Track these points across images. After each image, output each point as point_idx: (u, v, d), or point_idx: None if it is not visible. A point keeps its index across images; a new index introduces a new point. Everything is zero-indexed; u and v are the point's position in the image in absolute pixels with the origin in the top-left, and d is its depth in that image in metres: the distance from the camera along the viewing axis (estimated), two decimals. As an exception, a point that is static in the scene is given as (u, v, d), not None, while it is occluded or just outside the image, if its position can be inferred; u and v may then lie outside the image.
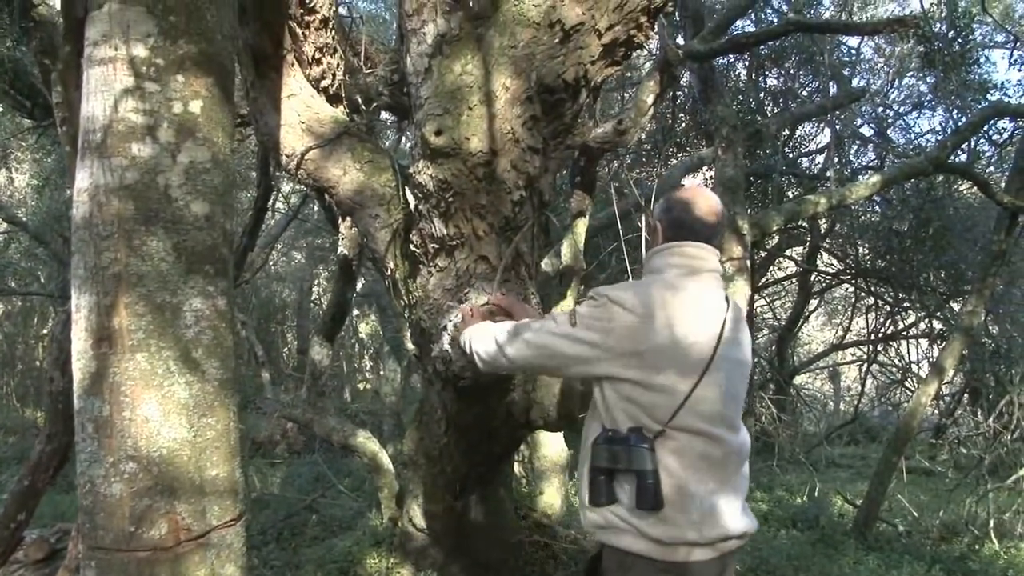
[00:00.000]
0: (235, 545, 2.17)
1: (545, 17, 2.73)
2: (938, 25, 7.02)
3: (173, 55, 2.06)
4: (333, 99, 3.68)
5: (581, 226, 5.21)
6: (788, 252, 13.67)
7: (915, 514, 7.82)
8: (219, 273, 2.15)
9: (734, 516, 2.22)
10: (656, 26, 3.16)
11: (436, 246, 3.07)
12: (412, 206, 3.10)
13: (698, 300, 2.22)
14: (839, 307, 18.40)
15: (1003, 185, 7.66)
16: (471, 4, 2.82)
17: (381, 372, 12.90)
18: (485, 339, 2.47)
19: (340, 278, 5.28)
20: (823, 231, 12.44)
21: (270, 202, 8.05)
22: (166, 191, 2.04)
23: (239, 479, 2.20)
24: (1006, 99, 8.14)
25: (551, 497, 5.65)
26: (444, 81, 2.75)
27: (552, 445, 5.80)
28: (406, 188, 3.27)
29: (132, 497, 1.96)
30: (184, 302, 2.05)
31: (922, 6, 7.82)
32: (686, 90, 9.33)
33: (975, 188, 9.06)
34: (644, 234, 5.27)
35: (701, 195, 2.39)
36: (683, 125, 10.85)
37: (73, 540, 3.05)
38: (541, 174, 3.05)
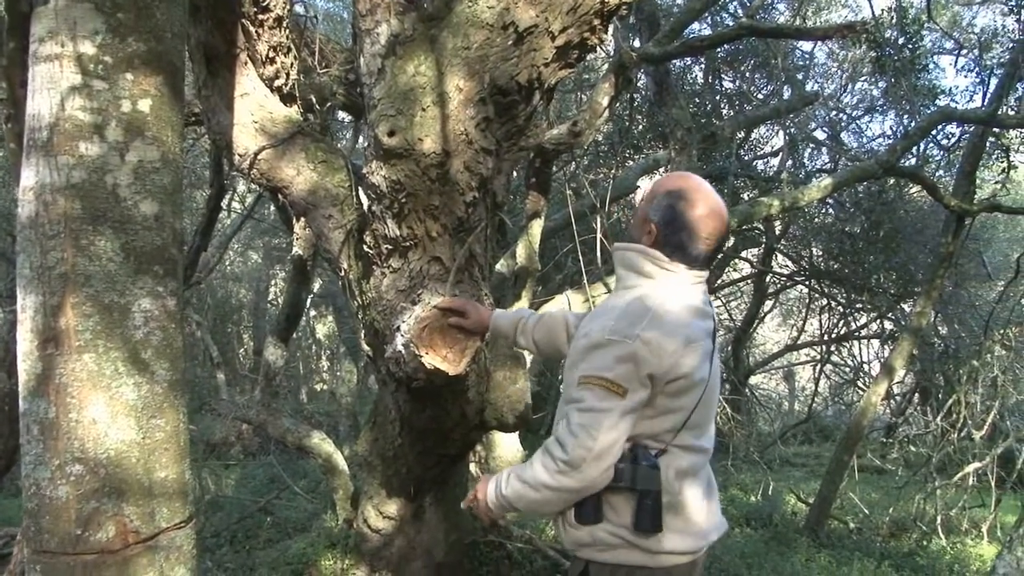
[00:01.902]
0: (185, 547, 2.15)
1: (499, 19, 2.75)
2: (889, 32, 7.17)
3: (122, 53, 2.04)
4: (287, 98, 3.65)
5: (536, 227, 5.23)
6: (743, 253, 13.86)
7: (866, 511, 8.00)
8: (168, 273, 2.13)
9: (716, 521, 2.24)
10: (611, 29, 3.19)
11: (389, 247, 3.07)
12: (365, 207, 3.10)
13: (696, 312, 2.14)
14: (793, 308, 18.70)
15: (951, 189, 7.86)
16: (424, 5, 2.83)
17: (338, 373, 12.85)
18: (545, 495, 2.11)
19: (295, 278, 5.26)
20: (777, 233, 12.64)
21: (224, 201, 7.97)
22: (114, 190, 2.02)
23: (189, 481, 2.19)
24: (953, 104, 8.34)
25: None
26: (397, 82, 2.76)
27: (507, 446, 5.82)
28: (359, 189, 3.27)
29: (79, 500, 1.94)
30: (133, 303, 2.03)
31: (873, 13, 8.01)
32: (643, 92, 9.42)
33: (924, 191, 9.27)
34: (600, 236, 5.33)
35: (713, 212, 2.19)
36: (640, 127, 10.94)
37: (18, 544, 2.99)
38: (494, 175, 3.07)
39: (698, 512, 2.16)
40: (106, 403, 1.97)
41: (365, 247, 3.21)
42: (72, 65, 1.99)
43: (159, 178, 2.10)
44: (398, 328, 3.00)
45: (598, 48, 3.34)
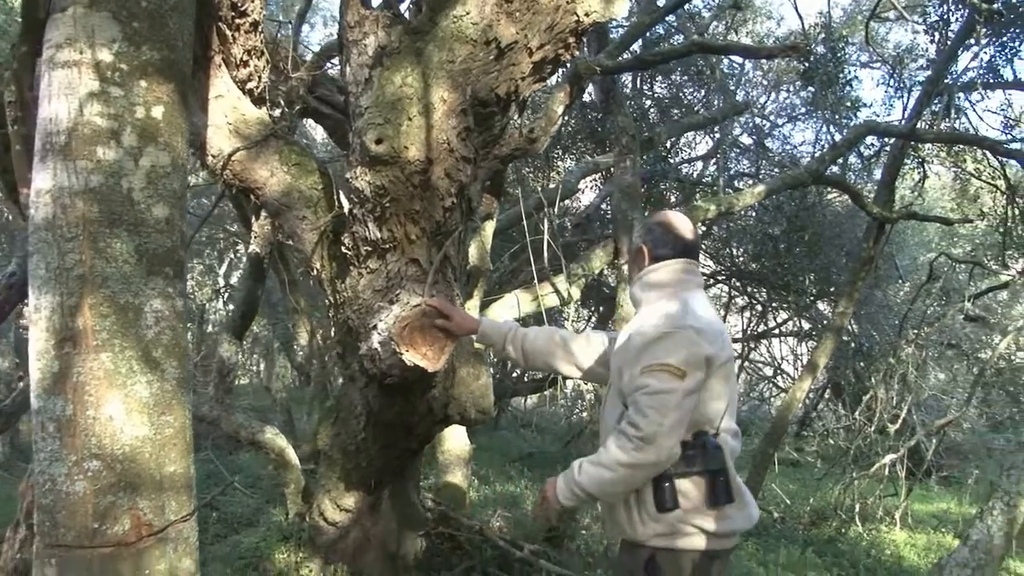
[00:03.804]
0: (191, 539, 2.24)
1: (482, 35, 2.88)
2: (816, 46, 7.56)
3: (137, 60, 2.11)
4: (258, 101, 3.71)
5: (489, 228, 5.38)
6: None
7: (788, 502, 8.39)
8: (177, 275, 2.21)
9: (753, 504, 2.49)
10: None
11: (369, 248, 3.18)
12: (346, 209, 3.19)
13: (710, 306, 2.49)
14: (714, 307, 19.23)
15: (871, 197, 8.32)
16: (410, 19, 2.95)
17: (274, 369, 12.77)
18: (622, 474, 2.31)
19: (250, 275, 5.28)
20: (701, 233, 13.05)
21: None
22: (129, 194, 2.09)
23: (193, 475, 2.27)
24: (874, 116, 8.81)
25: (456, 490, 5.80)
26: (384, 92, 2.87)
27: (456, 439, 5.95)
28: (340, 192, 3.35)
29: (96, 494, 2.00)
30: (145, 303, 2.10)
31: (802, 26, 8.40)
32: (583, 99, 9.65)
33: (843, 197, 9.75)
34: (547, 237, 5.52)
35: (677, 217, 2.64)
36: (569, 128, 11.17)
37: (8, 542, 2.99)
38: (471, 182, 3.20)
39: (747, 492, 2.45)
40: (122, 400, 2.04)
41: (343, 248, 3.30)
42: (90, 72, 2.05)
43: (169, 182, 2.18)
44: (374, 326, 3.11)
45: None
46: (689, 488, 2.31)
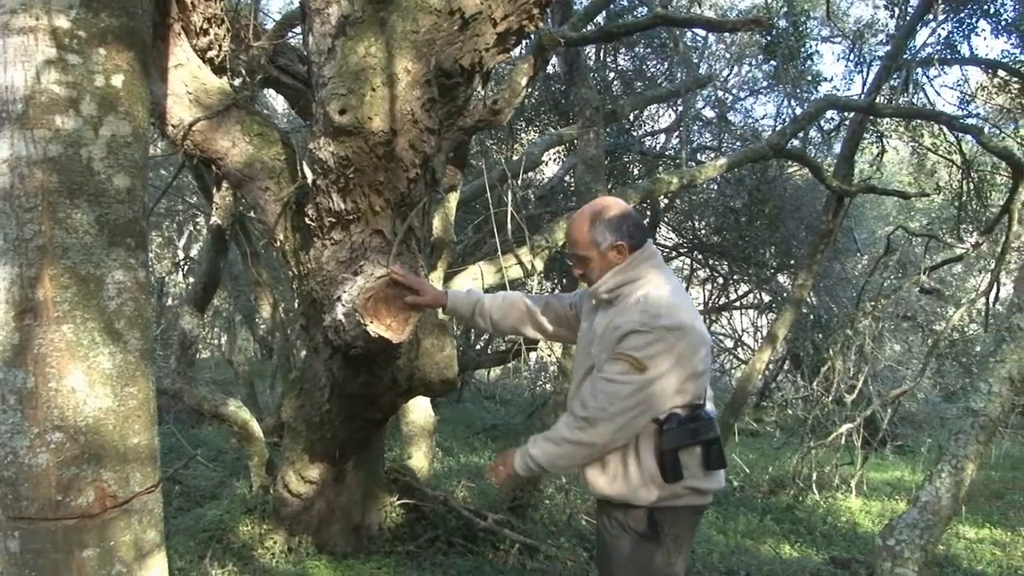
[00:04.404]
0: (155, 510, 2.23)
1: (446, 5, 2.88)
2: (779, 20, 7.60)
3: (95, 27, 2.07)
4: (218, 70, 3.66)
5: (452, 200, 5.38)
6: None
7: (747, 471, 8.55)
8: (139, 246, 2.18)
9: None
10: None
11: (332, 220, 3.17)
12: (310, 180, 3.17)
13: (682, 286, 2.56)
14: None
15: (831, 170, 8.42)
16: (374, -12, 2.92)
17: (236, 343, 12.66)
18: (565, 449, 2.48)
19: (212, 247, 5.22)
20: (663, 207, 13.14)
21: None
22: (89, 164, 2.05)
23: (157, 446, 2.26)
24: (835, 91, 8.90)
25: (419, 461, 5.83)
26: (348, 62, 2.85)
27: (420, 411, 5.98)
28: (303, 163, 3.33)
29: (59, 466, 1.99)
30: (107, 274, 2.08)
31: (765, 0, 8.43)
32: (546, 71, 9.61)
33: (804, 171, 9.85)
34: (511, 209, 5.52)
35: (618, 202, 2.63)
36: (533, 100, 11.16)
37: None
38: (435, 153, 3.20)
39: (723, 451, 2.58)
40: (84, 372, 2.03)
41: (306, 219, 3.28)
42: (47, 38, 2.01)
43: (131, 152, 2.15)
44: (339, 298, 3.12)
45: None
46: (688, 458, 2.42)
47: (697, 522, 2.67)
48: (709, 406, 2.51)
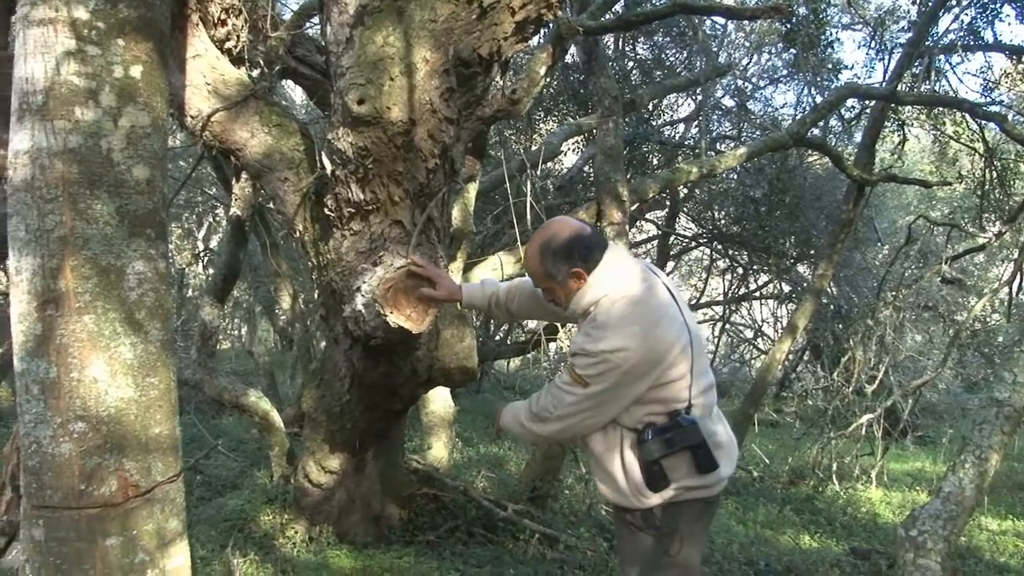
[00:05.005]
0: (177, 500, 2.25)
1: (464, -7, 2.85)
2: (798, 7, 7.52)
3: (114, 19, 2.08)
4: (236, 61, 3.66)
5: (472, 190, 5.37)
6: (649, 216, 14.25)
7: (767, 461, 8.51)
8: (159, 236, 2.19)
9: (736, 445, 2.64)
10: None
11: (352, 210, 3.16)
12: (329, 171, 3.17)
13: (650, 290, 2.42)
14: (693, 269, 19.37)
15: (851, 159, 8.34)
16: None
17: (256, 334, 12.72)
18: (521, 431, 2.68)
19: (232, 238, 5.24)
20: (683, 196, 13.07)
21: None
22: (108, 155, 2.07)
23: (179, 436, 2.27)
24: (855, 79, 8.80)
25: (439, 451, 5.85)
26: (366, 51, 2.84)
27: (439, 401, 5.99)
28: (321, 153, 3.33)
29: (82, 456, 2.01)
30: (127, 265, 2.09)
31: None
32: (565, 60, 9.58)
33: (824, 160, 9.75)
34: (529, 199, 5.51)
35: (564, 225, 2.53)
36: (551, 90, 11.11)
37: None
38: (454, 143, 3.19)
39: (729, 438, 2.57)
40: (106, 362, 2.04)
41: (325, 210, 3.28)
42: (66, 30, 2.02)
43: (150, 143, 2.16)
44: (358, 288, 3.11)
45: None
46: (676, 463, 2.40)
47: (711, 511, 2.64)
48: (699, 400, 2.43)
